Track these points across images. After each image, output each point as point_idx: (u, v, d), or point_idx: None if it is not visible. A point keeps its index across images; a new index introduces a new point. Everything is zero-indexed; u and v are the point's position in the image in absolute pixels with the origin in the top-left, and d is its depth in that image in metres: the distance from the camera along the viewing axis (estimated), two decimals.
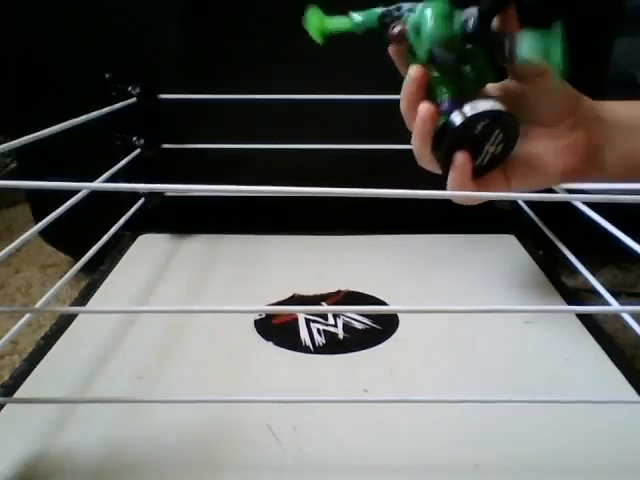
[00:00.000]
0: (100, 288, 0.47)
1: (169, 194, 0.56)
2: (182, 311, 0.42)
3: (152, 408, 0.32)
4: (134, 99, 0.53)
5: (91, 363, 0.37)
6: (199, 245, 0.54)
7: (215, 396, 0.32)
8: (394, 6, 0.33)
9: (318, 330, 0.41)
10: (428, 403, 0.31)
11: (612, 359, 0.38)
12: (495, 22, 0.31)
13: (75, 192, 0.37)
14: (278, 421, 0.31)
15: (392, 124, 0.56)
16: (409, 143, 0.54)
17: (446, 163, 0.33)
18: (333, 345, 0.39)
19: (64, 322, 0.41)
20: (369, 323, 0.42)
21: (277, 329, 0.41)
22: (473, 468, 0.29)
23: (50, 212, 0.35)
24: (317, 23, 0.36)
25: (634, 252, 0.33)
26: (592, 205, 0.42)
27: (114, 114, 0.47)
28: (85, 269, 0.42)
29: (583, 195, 0.24)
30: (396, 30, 0.33)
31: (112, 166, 0.47)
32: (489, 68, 0.32)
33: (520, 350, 0.39)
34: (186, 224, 0.57)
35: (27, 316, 0.35)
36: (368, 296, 0.46)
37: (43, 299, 0.36)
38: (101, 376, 0.36)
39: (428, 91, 0.33)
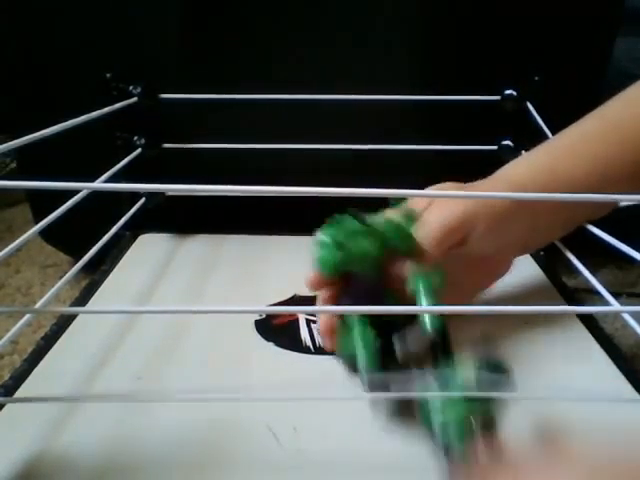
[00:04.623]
0: (100, 288, 0.47)
1: (170, 194, 0.56)
2: (182, 311, 0.42)
3: (152, 408, 0.32)
4: (135, 99, 0.52)
5: (91, 363, 0.37)
6: (200, 245, 0.54)
7: (215, 394, 0.32)
8: None
9: (319, 331, 0.41)
10: None
11: (612, 359, 0.38)
12: None
13: (75, 192, 0.37)
14: (278, 421, 0.31)
15: (392, 124, 0.56)
16: (409, 143, 0.54)
17: None
18: None
19: (64, 322, 0.41)
20: None
21: (277, 329, 0.41)
22: None
23: (50, 212, 0.35)
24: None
25: (631, 258, 0.33)
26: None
27: (115, 114, 0.47)
28: (85, 269, 0.42)
29: (588, 195, 0.24)
30: None
31: (112, 166, 0.47)
32: None
33: (520, 350, 0.39)
34: (187, 224, 0.57)
35: (27, 316, 0.35)
36: None
37: (43, 299, 0.36)
38: (101, 376, 0.36)
39: None
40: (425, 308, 0.32)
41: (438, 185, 0.38)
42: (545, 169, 0.39)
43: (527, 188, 0.37)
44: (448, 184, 0.38)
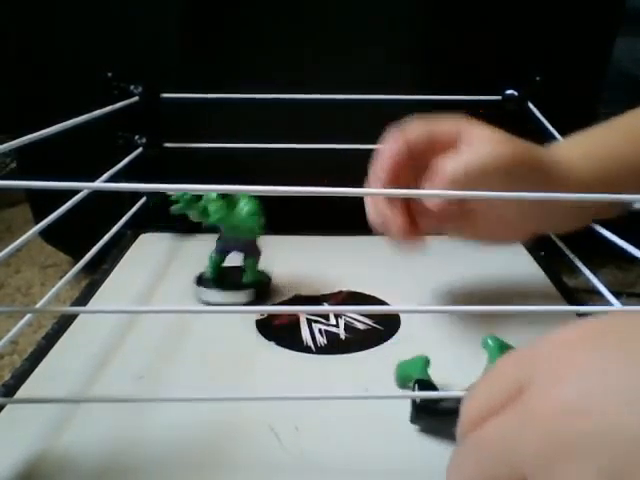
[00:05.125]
0: (101, 287, 0.47)
1: (170, 193, 0.56)
2: (183, 311, 0.42)
3: (153, 408, 0.32)
4: (136, 98, 0.52)
5: (92, 363, 0.37)
6: (200, 244, 0.54)
7: (216, 394, 0.32)
8: None
9: (320, 330, 0.41)
10: None
11: None
12: None
13: (76, 192, 0.37)
14: (280, 421, 0.31)
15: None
16: None
17: None
18: (335, 345, 0.39)
19: (65, 322, 0.41)
20: (371, 323, 0.42)
21: (279, 329, 0.41)
22: None
23: (50, 212, 0.35)
24: None
25: (632, 255, 0.33)
26: None
27: (115, 113, 0.47)
28: (85, 269, 0.42)
29: (588, 195, 0.24)
30: None
31: (113, 165, 0.47)
32: None
33: None
34: (188, 223, 0.56)
35: (27, 316, 0.35)
36: (369, 296, 0.46)
37: (43, 299, 0.35)
38: (102, 376, 0.36)
39: None
40: (431, 308, 0.32)
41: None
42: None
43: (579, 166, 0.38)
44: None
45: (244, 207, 0.43)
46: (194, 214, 0.43)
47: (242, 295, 0.44)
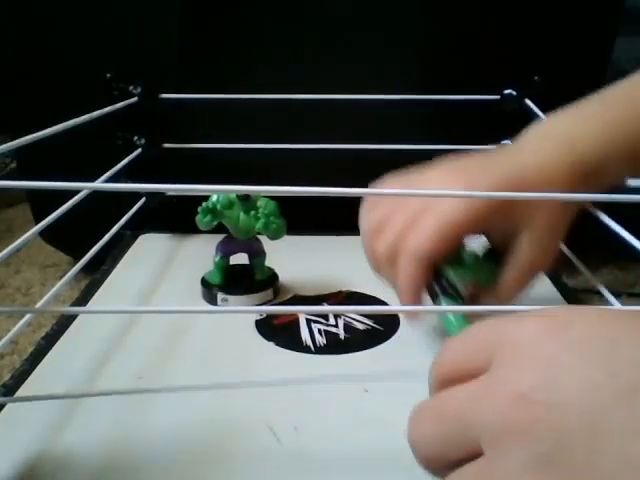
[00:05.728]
0: (101, 288, 0.47)
1: (170, 193, 0.56)
2: (183, 311, 0.42)
3: (152, 408, 0.32)
4: (135, 99, 0.53)
5: (92, 363, 0.37)
6: (200, 245, 0.54)
7: (215, 391, 0.32)
8: None
9: (319, 330, 0.41)
10: None
11: None
12: None
13: (76, 192, 0.37)
14: (279, 421, 0.31)
15: (392, 124, 0.56)
16: (409, 143, 0.54)
17: None
18: (334, 345, 0.39)
19: (65, 322, 0.41)
20: (370, 323, 0.42)
21: (278, 329, 0.41)
22: None
23: (50, 212, 0.35)
24: None
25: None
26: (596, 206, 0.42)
27: (115, 114, 0.47)
28: (85, 269, 0.42)
29: (588, 195, 0.24)
30: None
31: (113, 166, 0.47)
32: None
33: None
34: (187, 224, 0.57)
35: (27, 316, 0.35)
36: (369, 296, 0.46)
37: (43, 299, 0.35)
38: (102, 376, 0.36)
39: None
40: (432, 308, 0.32)
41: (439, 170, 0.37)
42: (595, 117, 0.35)
43: (576, 146, 0.33)
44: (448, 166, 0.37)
45: (265, 208, 0.42)
46: (228, 222, 0.43)
47: (261, 296, 0.45)
